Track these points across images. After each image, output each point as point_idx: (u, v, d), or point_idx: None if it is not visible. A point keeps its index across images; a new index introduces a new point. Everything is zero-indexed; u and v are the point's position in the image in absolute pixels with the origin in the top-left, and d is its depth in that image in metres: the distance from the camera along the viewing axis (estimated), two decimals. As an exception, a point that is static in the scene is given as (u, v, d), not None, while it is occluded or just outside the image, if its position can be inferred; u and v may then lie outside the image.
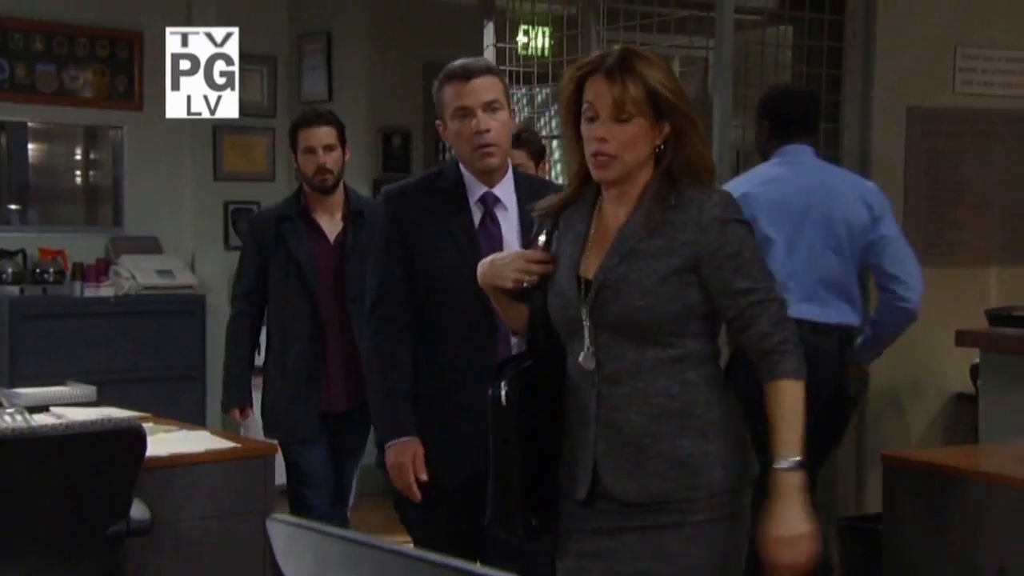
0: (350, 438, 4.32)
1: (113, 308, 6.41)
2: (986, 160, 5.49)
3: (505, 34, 5.62)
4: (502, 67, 4.99)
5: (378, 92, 6.84)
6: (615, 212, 2.45)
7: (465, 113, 3.00)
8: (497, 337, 2.90)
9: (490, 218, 3.02)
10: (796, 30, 5.42)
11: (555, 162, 5.90)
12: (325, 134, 4.28)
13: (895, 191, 5.31)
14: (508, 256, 2.57)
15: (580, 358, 2.41)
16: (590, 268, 2.43)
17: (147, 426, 3.48)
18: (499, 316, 2.68)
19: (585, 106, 2.40)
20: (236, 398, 4.37)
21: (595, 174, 2.41)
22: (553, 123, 6.22)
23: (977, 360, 4.74)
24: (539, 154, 4.65)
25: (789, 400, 2.38)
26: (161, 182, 6.88)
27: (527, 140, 4.54)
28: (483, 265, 2.55)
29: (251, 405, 4.37)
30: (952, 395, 5.36)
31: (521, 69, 5.58)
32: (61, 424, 3.22)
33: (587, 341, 2.39)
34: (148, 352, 6.44)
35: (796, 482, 2.37)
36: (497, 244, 2.93)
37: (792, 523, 2.38)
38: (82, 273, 6.47)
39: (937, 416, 5.38)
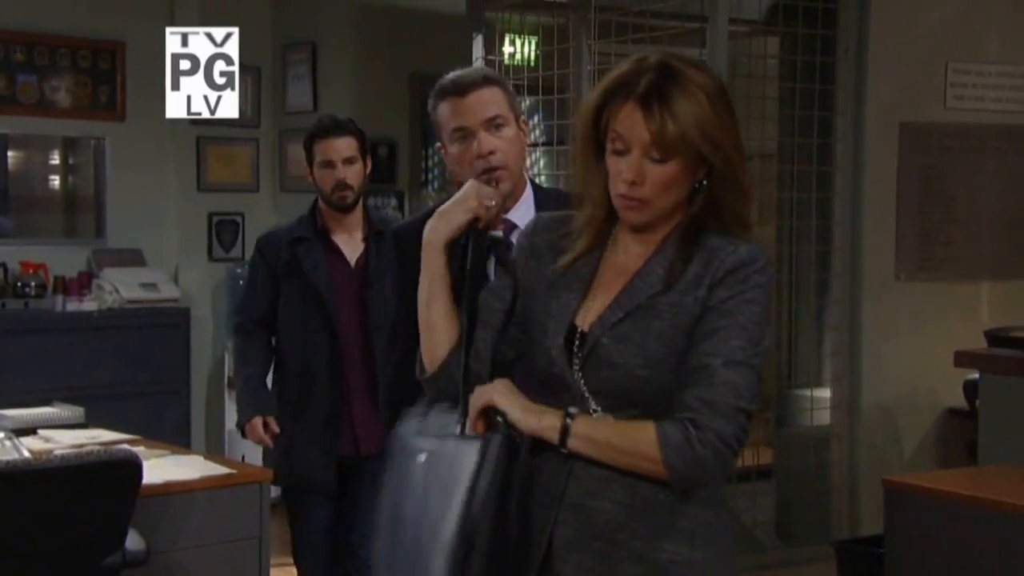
0: (372, 490, 3.87)
1: (96, 322, 6.33)
2: (977, 175, 5.51)
3: (494, 45, 5.58)
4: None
5: (363, 103, 6.77)
6: (628, 250, 2.04)
7: (464, 134, 2.62)
8: None
9: (506, 247, 2.75)
10: (786, 43, 5.40)
11: (537, 173, 5.85)
12: (345, 145, 3.89)
13: (888, 206, 5.32)
14: (459, 195, 2.14)
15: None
16: (588, 317, 2.00)
17: (139, 450, 3.43)
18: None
19: (612, 135, 1.96)
20: (258, 407, 3.90)
21: (622, 216, 2.01)
22: (536, 132, 6.17)
23: (971, 376, 4.73)
24: None
25: (637, 434, 1.90)
26: (144, 193, 6.79)
27: None
28: (429, 225, 2.14)
29: (276, 416, 3.91)
30: (944, 410, 5.36)
31: (511, 81, 5.51)
32: (56, 456, 3.16)
33: (590, 406, 1.97)
34: (132, 367, 6.35)
35: (551, 423, 1.94)
36: None
37: (523, 406, 1.97)
38: (64, 287, 6.38)
39: (930, 431, 5.38)
